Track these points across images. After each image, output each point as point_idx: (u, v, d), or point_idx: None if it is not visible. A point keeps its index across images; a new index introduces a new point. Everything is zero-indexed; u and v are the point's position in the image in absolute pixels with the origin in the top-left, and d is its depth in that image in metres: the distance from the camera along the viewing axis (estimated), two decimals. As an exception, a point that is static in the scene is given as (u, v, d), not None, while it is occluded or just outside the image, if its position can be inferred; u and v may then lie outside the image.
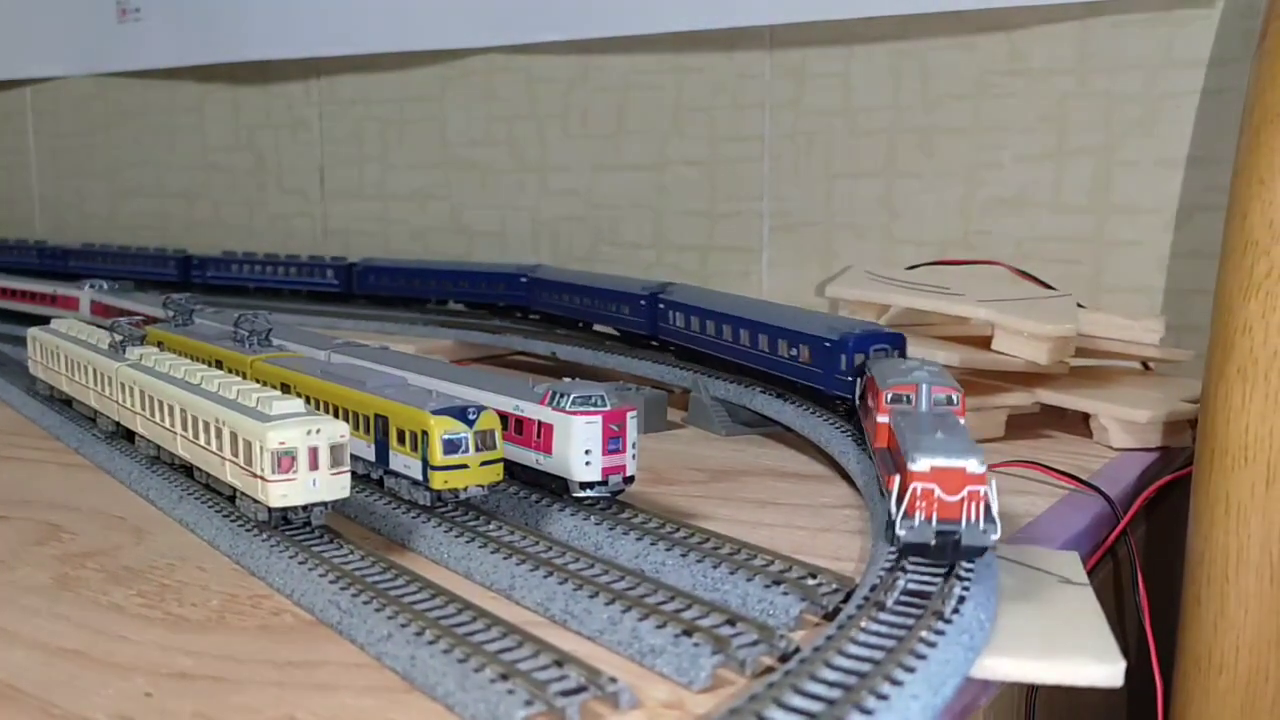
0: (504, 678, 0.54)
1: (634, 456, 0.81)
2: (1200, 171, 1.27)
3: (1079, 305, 1.19)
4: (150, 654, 0.62)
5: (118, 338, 1.02)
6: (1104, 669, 0.58)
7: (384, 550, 0.74)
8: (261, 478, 0.72)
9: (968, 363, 1.08)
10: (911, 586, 0.60)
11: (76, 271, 1.99)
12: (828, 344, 0.97)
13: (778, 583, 0.65)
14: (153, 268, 1.98)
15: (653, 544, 0.73)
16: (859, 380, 0.93)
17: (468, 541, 0.74)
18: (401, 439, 0.80)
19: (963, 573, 0.61)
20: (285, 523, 0.74)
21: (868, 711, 0.47)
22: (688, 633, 0.58)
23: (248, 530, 0.75)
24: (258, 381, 0.90)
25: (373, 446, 0.83)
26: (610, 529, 0.76)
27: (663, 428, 1.15)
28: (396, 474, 0.81)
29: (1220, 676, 0.82)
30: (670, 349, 1.26)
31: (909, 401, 0.77)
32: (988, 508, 0.61)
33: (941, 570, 0.61)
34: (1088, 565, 0.74)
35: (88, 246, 2.10)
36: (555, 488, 0.82)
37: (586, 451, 0.79)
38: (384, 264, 1.75)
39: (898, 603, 0.58)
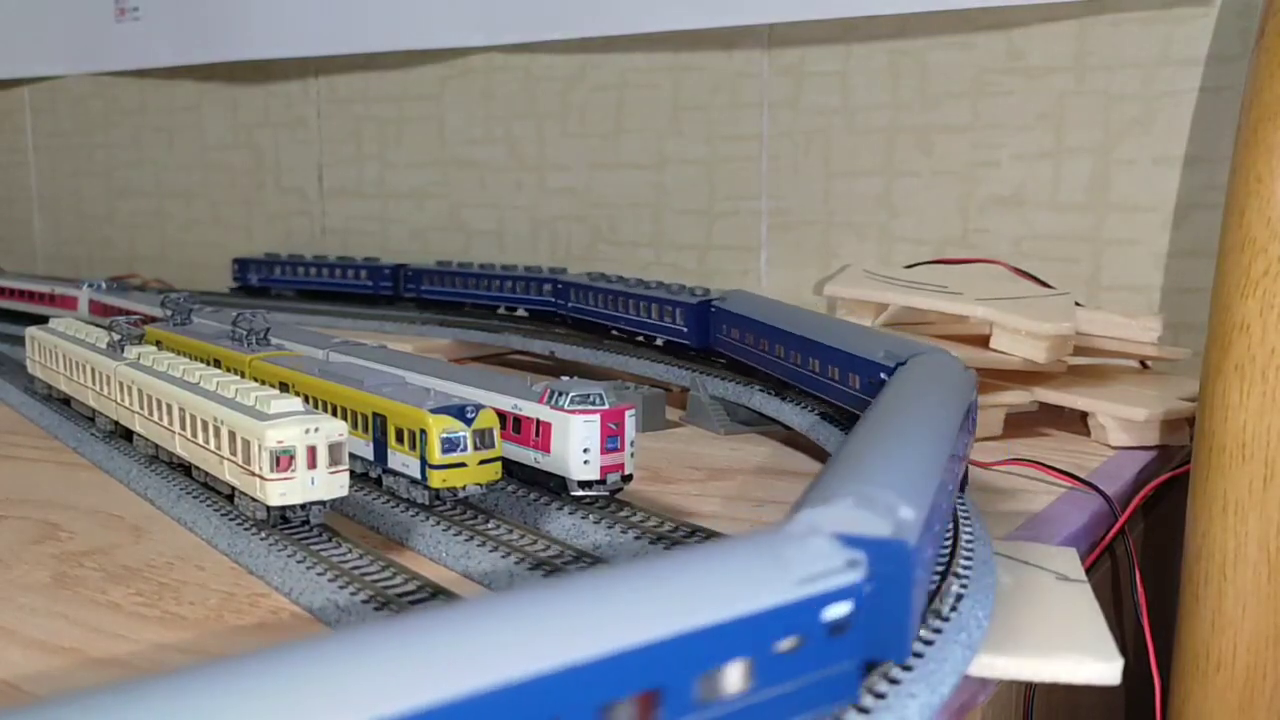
0: (502, 676, 0.54)
1: (632, 455, 0.81)
2: (1198, 170, 1.27)
3: (1077, 304, 1.19)
4: (148, 652, 0.62)
5: (116, 337, 1.02)
6: (1102, 666, 0.58)
7: (382, 548, 0.74)
8: (260, 476, 0.72)
9: (966, 361, 1.08)
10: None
11: (429, 298, 1.64)
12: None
13: (776, 581, 0.65)
14: (526, 293, 1.51)
15: (651, 543, 0.73)
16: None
17: (466, 540, 0.74)
18: (400, 437, 0.80)
19: (960, 570, 0.61)
20: (284, 521, 0.74)
21: (865, 710, 0.47)
22: (686, 631, 0.58)
23: (246, 529, 0.76)
24: (256, 380, 0.90)
25: (371, 445, 0.83)
26: (609, 527, 0.76)
27: (661, 426, 1.15)
28: (395, 472, 0.81)
29: (1218, 674, 0.82)
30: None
31: None
32: None
33: (939, 567, 0.61)
34: (1086, 563, 0.74)
35: (443, 265, 1.65)
36: (554, 486, 0.82)
37: (585, 450, 0.79)
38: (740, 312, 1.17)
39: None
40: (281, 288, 1.85)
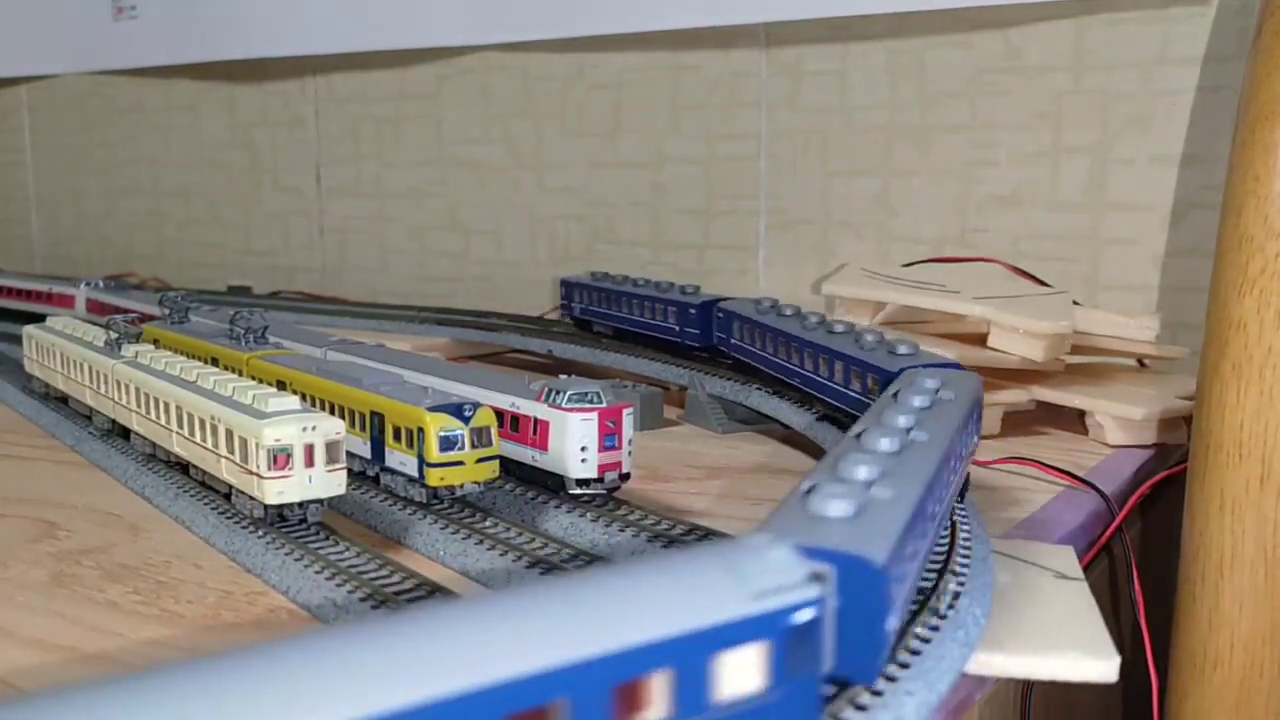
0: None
1: (630, 453, 0.81)
2: (1196, 169, 1.27)
3: (1075, 302, 1.19)
4: (146, 651, 0.62)
5: (113, 335, 1.02)
6: (1099, 664, 0.58)
7: (380, 547, 0.74)
8: (257, 475, 0.72)
9: (964, 360, 1.08)
10: (907, 582, 0.60)
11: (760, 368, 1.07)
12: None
13: (773, 579, 0.65)
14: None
15: (649, 541, 0.73)
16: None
17: (464, 538, 0.74)
18: (398, 436, 0.80)
19: (958, 568, 0.61)
20: (281, 520, 0.74)
21: (862, 708, 0.47)
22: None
23: (244, 527, 0.75)
24: (254, 379, 0.90)
25: (369, 443, 0.83)
26: (606, 526, 0.76)
27: (659, 425, 1.15)
28: (393, 471, 0.81)
29: (1215, 672, 0.82)
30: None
31: None
32: None
33: (936, 565, 0.61)
34: (1083, 561, 0.75)
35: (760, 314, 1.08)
36: (551, 484, 0.82)
37: (582, 448, 0.79)
38: None
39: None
40: (604, 323, 1.37)
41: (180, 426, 0.85)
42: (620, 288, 1.33)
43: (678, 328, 1.21)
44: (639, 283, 1.32)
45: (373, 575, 0.67)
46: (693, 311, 1.19)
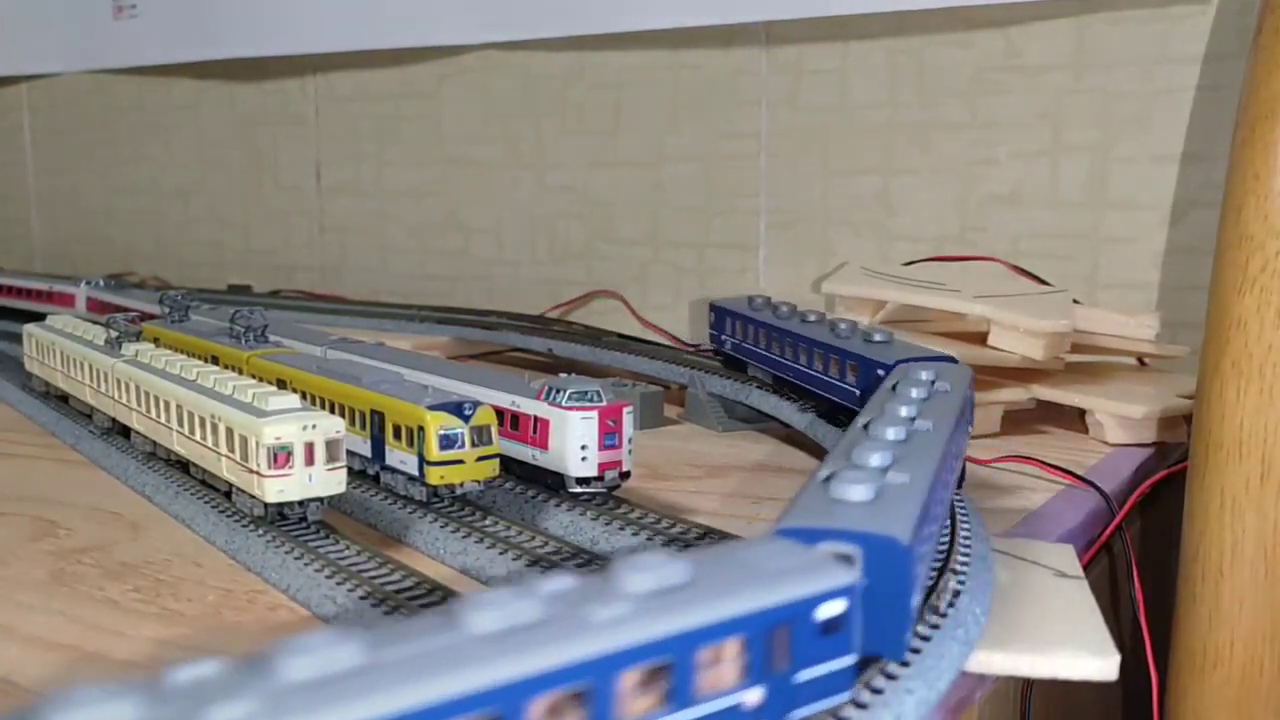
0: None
1: (630, 452, 0.81)
2: (1196, 167, 1.27)
3: (1075, 301, 1.19)
4: (146, 649, 0.62)
5: (114, 334, 1.02)
6: (1099, 662, 0.58)
7: (380, 545, 0.74)
8: (257, 473, 0.72)
9: (964, 359, 1.08)
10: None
11: None
12: None
13: (773, 577, 0.65)
14: None
15: (649, 539, 0.73)
16: None
17: (464, 537, 0.74)
18: (398, 434, 0.80)
19: (958, 567, 0.61)
20: (281, 518, 0.74)
21: (862, 706, 0.47)
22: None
23: (244, 526, 0.76)
24: (254, 377, 0.90)
25: (369, 442, 0.83)
26: (606, 524, 0.76)
27: (659, 424, 1.15)
28: (393, 469, 0.81)
29: (1215, 670, 0.82)
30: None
31: None
32: None
33: (936, 565, 0.61)
34: (1083, 559, 0.75)
35: None
36: (551, 483, 0.82)
37: (582, 447, 0.79)
38: None
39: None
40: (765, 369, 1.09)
41: (180, 425, 0.85)
42: (785, 324, 1.04)
43: (858, 392, 0.92)
44: (808, 317, 1.05)
45: (373, 574, 0.67)
46: (880, 374, 0.89)
